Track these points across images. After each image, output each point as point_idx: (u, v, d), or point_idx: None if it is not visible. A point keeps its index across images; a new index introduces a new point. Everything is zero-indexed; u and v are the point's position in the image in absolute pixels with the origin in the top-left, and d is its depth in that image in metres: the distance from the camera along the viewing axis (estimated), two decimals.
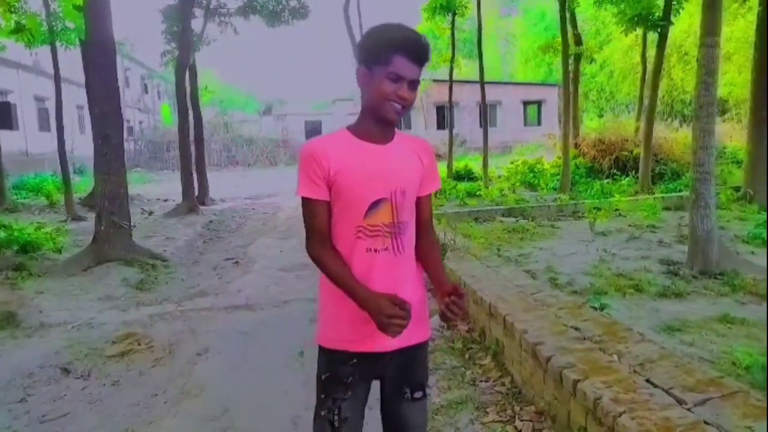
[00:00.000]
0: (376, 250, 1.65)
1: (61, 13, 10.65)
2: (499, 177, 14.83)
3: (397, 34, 1.58)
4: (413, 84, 1.60)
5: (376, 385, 1.83)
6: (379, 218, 1.64)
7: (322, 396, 1.74)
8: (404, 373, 1.76)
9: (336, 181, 1.63)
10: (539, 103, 32.17)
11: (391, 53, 1.56)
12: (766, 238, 6.48)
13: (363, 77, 1.62)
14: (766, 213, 8.22)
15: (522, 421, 2.93)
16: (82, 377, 3.81)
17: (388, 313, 1.52)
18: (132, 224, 7.52)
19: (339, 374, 1.71)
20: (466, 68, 27.90)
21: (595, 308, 3.81)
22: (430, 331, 1.83)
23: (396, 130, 1.73)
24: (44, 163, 20.01)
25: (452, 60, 15.18)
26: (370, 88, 1.61)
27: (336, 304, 1.69)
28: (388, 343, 1.65)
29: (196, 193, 13.08)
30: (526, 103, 32.06)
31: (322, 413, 1.73)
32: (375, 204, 1.63)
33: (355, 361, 1.69)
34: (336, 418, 1.71)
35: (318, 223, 1.67)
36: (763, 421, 2.12)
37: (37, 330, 4.74)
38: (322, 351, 1.75)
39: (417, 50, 1.58)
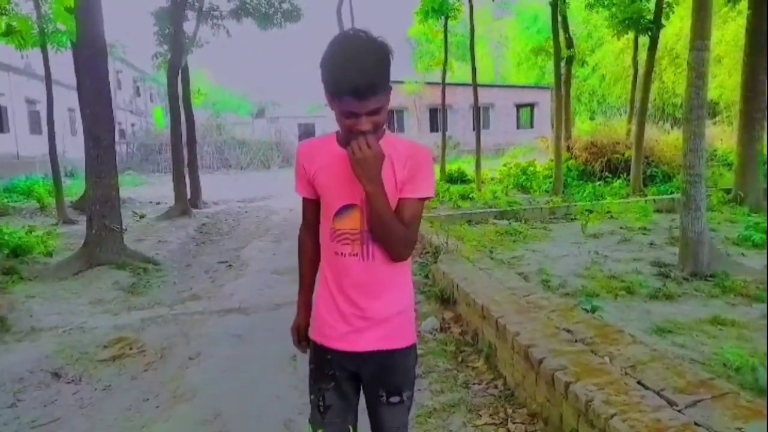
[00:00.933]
0: (343, 255, 1.69)
1: (52, 15, 10.59)
2: (492, 179, 14.87)
3: (339, 73, 1.48)
4: (372, 112, 1.54)
5: None
6: (347, 224, 1.68)
7: (311, 382, 1.85)
8: (380, 376, 1.77)
9: (314, 183, 1.74)
10: (532, 106, 32.28)
11: (339, 93, 1.50)
12: (758, 239, 6.54)
13: (329, 102, 1.59)
14: (759, 215, 8.29)
15: (514, 423, 2.94)
16: (73, 382, 3.79)
17: (294, 339, 1.99)
18: (124, 227, 7.48)
19: (322, 365, 1.80)
20: (459, 71, 27.94)
21: (587, 310, 3.83)
22: (412, 340, 1.80)
23: (388, 134, 1.70)
24: (35, 166, 19.89)
25: (445, 63, 15.21)
26: (335, 114, 1.59)
27: (320, 301, 1.79)
28: (359, 344, 1.71)
29: (189, 195, 13.03)
30: (518, 106, 32.16)
31: (312, 397, 1.85)
32: (343, 209, 1.67)
33: (330, 356, 1.76)
34: (321, 404, 1.81)
35: (306, 214, 1.87)
36: (753, 421, 2.13)
37: (28, 334, 4.70)
38: (311, 341, 1.86)
39: (359, 91, 1.48)
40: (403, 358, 1.77)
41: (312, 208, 1.81)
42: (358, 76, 1.46)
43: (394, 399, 1.78)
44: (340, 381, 1.78)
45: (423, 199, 1.69)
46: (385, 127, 1.69)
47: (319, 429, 1.81)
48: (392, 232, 1.63)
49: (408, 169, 1.65)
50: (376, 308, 1.70)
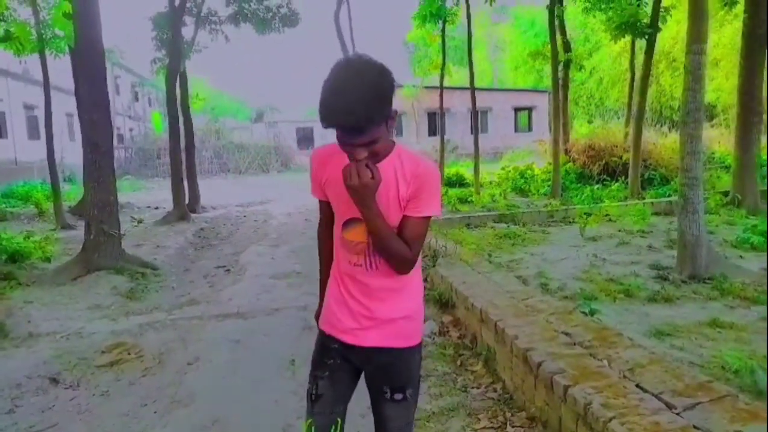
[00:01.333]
0: (350, 263, 1.78)
1: (50, 21, 10.60)
2: (491, 183, 14.88)
3: (329, 107, 1.46)
4: (365, 144, 1.53)
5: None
6: (353, 236, 1.75)
7: (310, 370, 1.91)
8: (383, 373, 1.82)
9: (325, 190, 1.81)
10: (530, 110, 32.36)
11: (328, 126, 1.50)
12: (756, 242, 6.55)
13: None
14: (757, 217, 8.31)
15: (513, 427, 2.94)
16: (71, 387, 3.77)
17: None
18: (122, 232, 7.47)
19: (323, 354, 1.87)
20: (457, 75, 28.05)
21: (586, 313, 3.83)
22: (417, 340, 1.83)
23: (398, 147, 1.70)
24: (33, 171, 19.85)
25: (443, 67, 15.22)
26: None
27: (330, 294, 1.87)
28: (365, 340, 1.77)
29: (187, 200, 13.02)
30: (516, 110, 32.24)
31: (308, 386, 1.90)
32: (349, 222, 1.74)
33: (336, 346, 1.83)
34: (314, 393, 1.87)
35: (321, 214, 1.94)
36: (752, 424, 2.13)
37: (26, 340, 4.69)
38: (319, 330, 1.92)
39: (346, 130, 1.49)
40: (408, 356, 1.82)
41: (327, 208, 1.88)
42: (344, 115, 1.44)
43: (398, 396, 1.82)
44: (336, 371, 1.84)
45: (427, 218, 1.71)
46: (394, 139, 1.70)
47: (309, 419, 1.85)
48: (391, 250, 1.67)
49: (413, 188, 1.66)
50: (383, 310, 1.76)
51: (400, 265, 1.71)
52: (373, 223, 1.62)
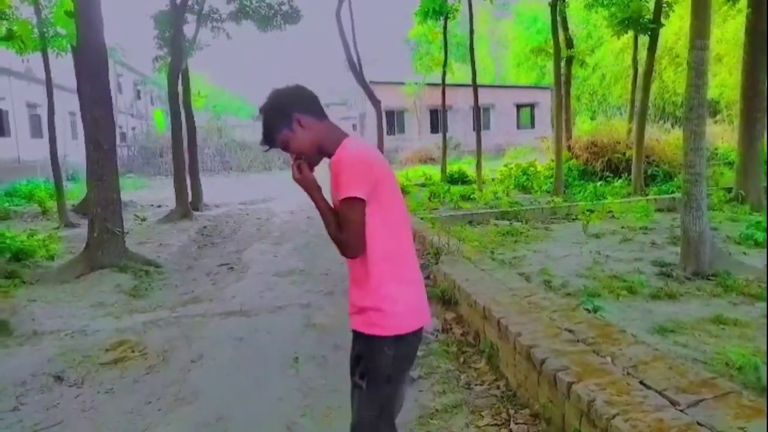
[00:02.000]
0: None
1: (52, 19, 10.62)
2: (493, 180, 14.87)
3: None
4: (283, 149, 1.96)
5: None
6: None
7: None
8: (356, 355, 1.98)
9: None
10: (532, 106, 32.26)
11: None
12: (760, 238, 6.53)
13: None
14: (761, 213, 8.29)
15: (517, 424, 2.94)
16: (75, 385, 3.79)
17: None
18: (125, 230, 7.49)
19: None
20: (459, 72, 28.01)
21: (589, 310, 3.83)
22: (380, 332, 1.87)
23: (344, 142, 1.89)
24: (36, 170, 19.89)
25: (445, 64, 15.23)
26: None
27: None
28: (352, 323, 1.96)
29: (190, 198, 13.03)
30: (519, 106, 32.13)
31: None
32: None
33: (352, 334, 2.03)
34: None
35: None
36: (755, 421, 2.13)
37: (30, 338, 4.71)
38: None
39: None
40: (375, 346, 1.89)
41: None
42: (261, 137, 1.98)
43: (358, 380, 1.93)
44: (354, 357, 2.01)
45: (347, 200, 1.80)
46: (345, 134, 1.94)
47: None
48: (330, 234, 1.88)
49: (332, 174, 1.87)
50: (356, 297, 1.94)
51: (340, 249, 1.87)
52: (320, 212, 1.88)
